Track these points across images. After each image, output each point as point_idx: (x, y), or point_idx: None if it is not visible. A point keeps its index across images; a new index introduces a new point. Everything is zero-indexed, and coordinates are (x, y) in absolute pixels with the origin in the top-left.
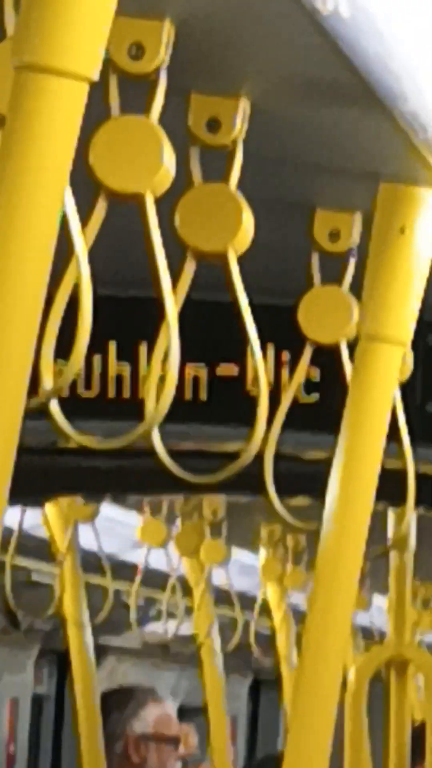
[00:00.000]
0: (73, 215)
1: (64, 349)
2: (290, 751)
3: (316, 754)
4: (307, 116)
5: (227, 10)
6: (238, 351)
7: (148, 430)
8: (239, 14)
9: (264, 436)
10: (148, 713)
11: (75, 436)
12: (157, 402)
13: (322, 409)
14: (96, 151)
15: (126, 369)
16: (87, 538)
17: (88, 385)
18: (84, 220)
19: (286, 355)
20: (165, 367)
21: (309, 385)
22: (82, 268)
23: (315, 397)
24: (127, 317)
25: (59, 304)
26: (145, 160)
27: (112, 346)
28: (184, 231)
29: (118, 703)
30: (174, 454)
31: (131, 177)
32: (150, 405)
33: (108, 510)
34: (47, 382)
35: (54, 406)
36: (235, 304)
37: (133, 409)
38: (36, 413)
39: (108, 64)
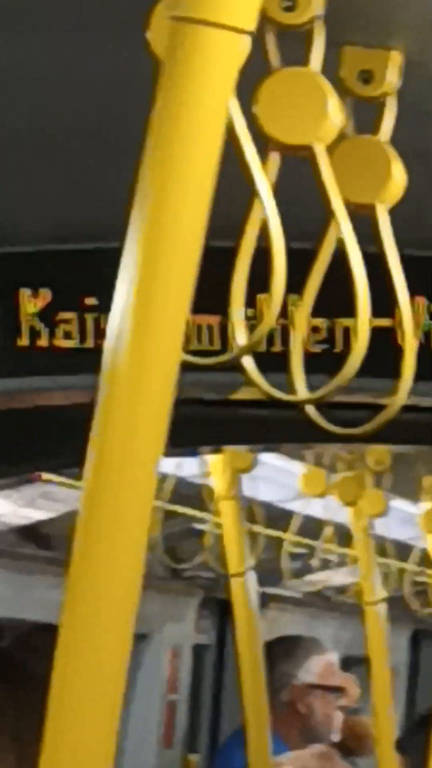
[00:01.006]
0: (255, 162)
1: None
2: None
3: None
4: None
5: None
6: (390, 305)
7: (345, 383)
8: None
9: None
10: (313, 663)
11: (269, 389)
12: (347, 361)
13: None
14: (260, 104)
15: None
16: (250, 487)
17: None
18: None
19: None
20: (356, 322)
21: None
22: (270, 218)
23: None
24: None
25: (244, 256)
26: (311, 111)
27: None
28: (337, 183)
29: (283, 652)
30: (331, 405)
31: (299, 129)
32: (297, 361)
33: (271, 459)
34: (240, 337)
35: (248, 361)
36: (383, 257)
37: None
38: (216, 367)
39: (262, 17)
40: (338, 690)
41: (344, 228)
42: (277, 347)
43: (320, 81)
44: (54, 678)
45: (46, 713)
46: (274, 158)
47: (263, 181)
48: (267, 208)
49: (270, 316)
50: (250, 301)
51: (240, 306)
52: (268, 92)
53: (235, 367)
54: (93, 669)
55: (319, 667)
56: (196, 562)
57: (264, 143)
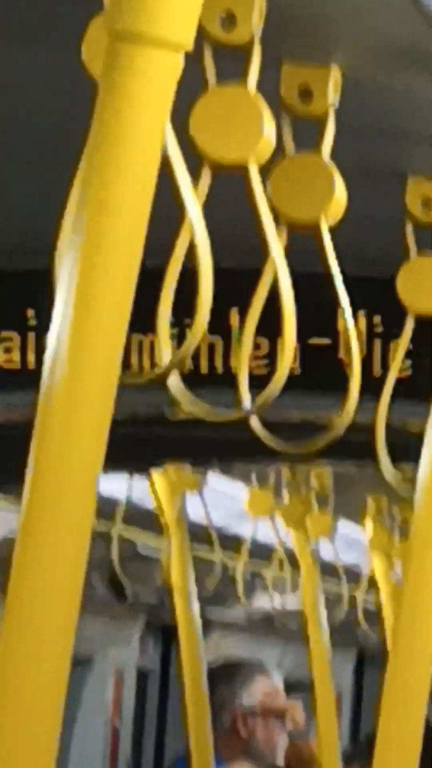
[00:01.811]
0: (186, 183)
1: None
2: (383, 730)
3: (409, 734)
4: (399, 84)
5: None
6: (331, 322)
7: (266, 402)
8: None
9: (366, 407)
10: (256, 687)
11: (192, 405)
12: (276, 375)
13: (416, 379)
14: (196, 122)
15: (218, 341)
16: (194, 510)
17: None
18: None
19: (378, 325)
20: (281, 341)
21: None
22: (199, 238)
23: (406, 364)
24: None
25: (171, 275)
26: (246, 129)
27: (234, 315)
28: (277, 201)
29: (225, 676)
30: (274, 425)
31: (233, 147)
32: (243, 378)
33: (215, 482)
34: (166, 355)
35: (173, 379)
36: (327, 274)
37: (226, 381)
38: (143, 385)
39: (201, 35)
40: (280, 714)
41: (273, 247)
42: (219, 369)
43: (255, 99)
44: None
45: None
46: (207, 176)
47: (193, 201)
48: (195, 227)
49: (195, 333)
50: (222, 317)
51: (165, 324)
52: (203, 110)
53: (162, 385)
54: (31, 692)
55: (261, 690)
56: (140, 585)
57: (198, 160)
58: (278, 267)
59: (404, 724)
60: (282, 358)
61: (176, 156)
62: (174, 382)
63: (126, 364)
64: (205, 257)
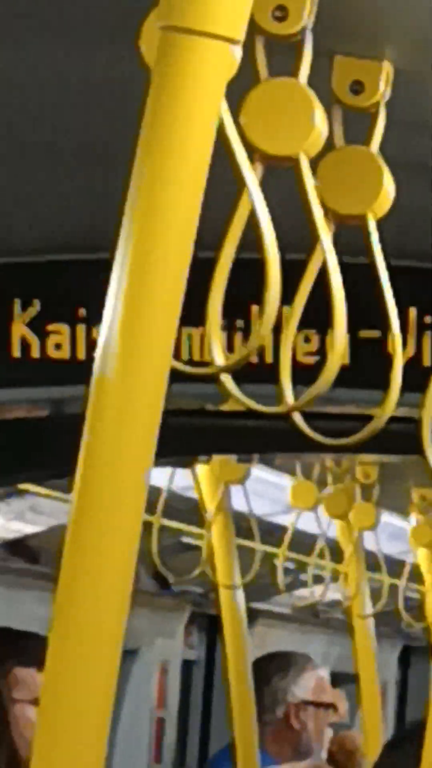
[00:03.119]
0: (249, 175)
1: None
2: None
3: None
4: None
5: None
6: (380, 315)
7: (319, 393)
8: None
9: (410, 399)
10: (306, 679)
11: (245, 400)
12: (323, 371)
13: None
14: (247, 114)
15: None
16: (238, 501)
17: (231, 349)
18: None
19: (429, 318)
20: (332, 334)
21: None
22: (265, 231)
23: None
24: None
25: (222, 270)
26: (297, 122)
27: (255, 311)
28: (325, 193)
29: (277, 668)
30: (320, 416)
31: (284, 140)
32: (285, 372)
33: (260, 472)
34: (216, 350)
35: (225, 376)
36: (372, 267)
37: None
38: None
39: (252, 27)
40: (330, 706)
41: (324, 240)
42: (269, 358)
43: (307, 92)
44: (43, 692)
45: (36, 725)
46: (258, 168)
47: (257, 192)
48: (261, 218)
49: (263, 331)
50: (243, 311)
51: (216, 320)
52: (255, 102)
53: (214, 379)
54: (82, 683)
55: (312, 683)
56: (186, 576)
57: (249, 153)
58: (329, 260)
59: None
60: (332, 353)
61: (238, 147)
62: (226, 378)
63: (176, 356)
64: (272, 250)
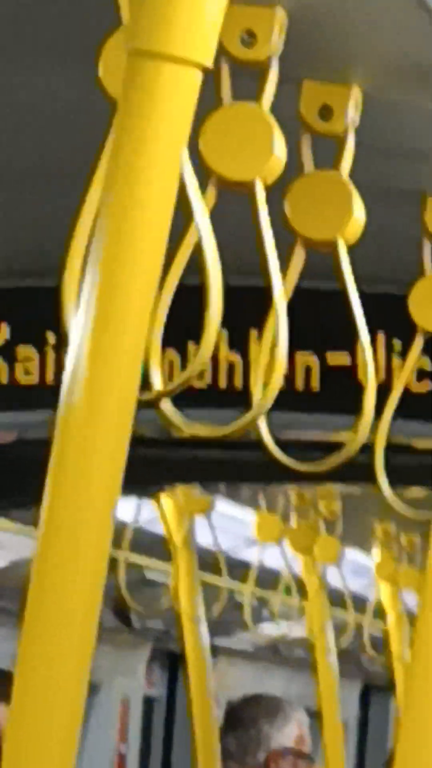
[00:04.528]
0: (198, 199)
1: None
2: (400, 758)
3: (428, 762)
4: (418, 103)
5: None
6: (349, 340)
7: (255, 419)
8: (350, 1)
9: (374, 426)
10: (291, 727)
11: (185, 427)
12: (264, 390)
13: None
14: (207, 138)
15: (237, 358)
16: (201, 536)
17: (199, 375)
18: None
19: (397, 344)
20: (273, 356)
21: (420, 374)
22: (208, 256)
23: (427, 385)
24: (237, 306)
25: (166, 295)
26: (256, 147)
27: (223, 335)
28: (294, 219)
29: (266, 713)
30: (286, 443)
31: (242, 164)
32: (257, 394)
33: (222, 506)
34: (156, 376)
35: (164, 401)
36: (344, 293)
37: (245, 399)
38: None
39: (220, 52)
40: (307, 757)
41: (273, 268)
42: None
43: (267, 118)
44: (9, 727)
45: (2, 759)
46: (212, 192)
47: (204, 219)
48: (206, 246)
49: (203, 356)
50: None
51: (157, 346)
52: (215, 125)
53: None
54: (48, 718)
55: (296, 732)
56: (150, 609)
57: (206, 176)
58: (274, 287)
59: (423, 755)
60: (273, 371)
61: (188, 172)
62: (166, 405)
63: (143, 381)
64: (216, 276)
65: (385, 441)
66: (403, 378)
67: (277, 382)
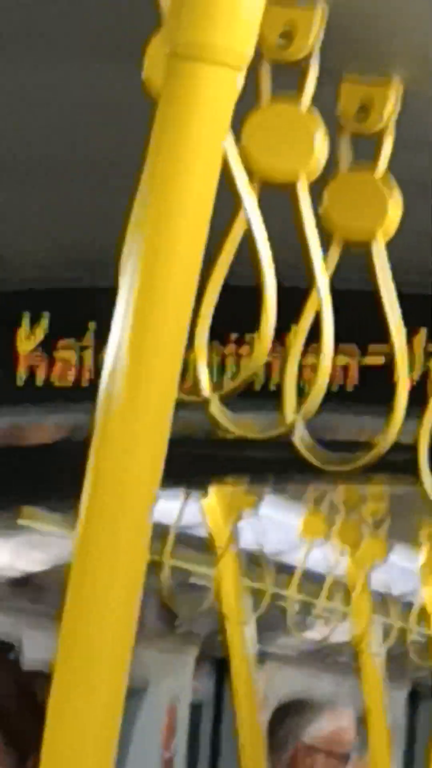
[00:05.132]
0: (251, 201)
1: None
2: None
3: None
4: None
5: None
6: (383, 339)
7: (305, 419)
8: None
9: (419, 425)
10: (322, 725)
11: (235, 428)
12: (309, 393)
13: None
14: (248, 136)
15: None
16: (246, 538)
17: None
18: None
19: None
20: (318, 358)
21: None
22: (262, 254)
23: None
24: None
25: (212, 294)
26: (297, 146)
27: (233, 339)
28: (332, 217)
29: (294, 711)
30: (327, 444)
31: (284, 164)
32: (290, 395)
33: (267, 509)
34: (203, 375)
35: (214, 403)
36: (378, 294)
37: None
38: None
39: (259, 52)
40: (345, 758)
41: (317, 266)
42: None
43: (308, 116)
44: (47, 729)
45: (41, 762)
46: (256, 192)
47: (257, 216)
48: (260, 245)
49: (259, 359)
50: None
51: (203, 347)
52: (256, 125)
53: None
54: (86, 720)
55: (328, 729)
56: (194, 613)
57: (248, 176)
58: (320, 285)
59: None
60: (319, 370)
61: (238, 167)
62: (215, 406)
63: (182, 381)
64: (269, 273)
65: (428, 440)
66: None
67: (323, 383)
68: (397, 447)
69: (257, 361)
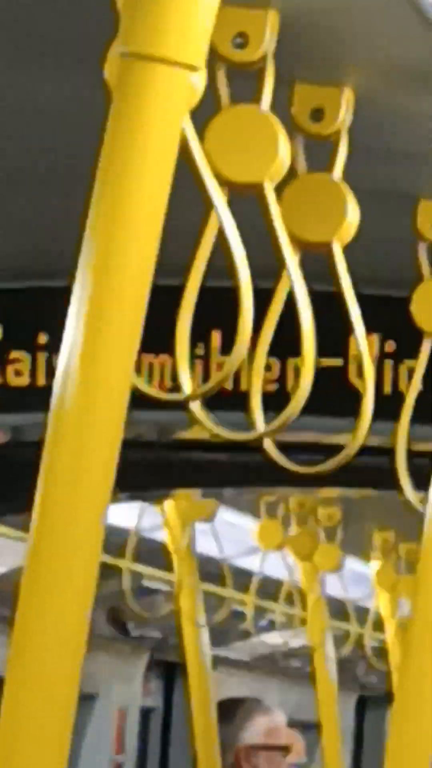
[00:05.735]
0: (221, 203)
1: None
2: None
3: None
4: (411, 106)
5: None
6: (340, 342)
7: (288, 421)
8: (343, 3)
9: (394, 430)
10: (256, 724)
11: (216, 429)
12: (295, 395)
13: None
14: (211, 141)
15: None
16: (203, 544)
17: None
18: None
19: (390, 346)
20: (301, 360)
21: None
22: (237, 256)
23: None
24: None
25: (190, 296)
26: (261, 149)
27: (216, 336)
28: (289, 221)
29: (224, 714)
30: (286, 446)
31: (249, 167)
32: (256, 399)
33: (223, 514)
34: (184, 376)
35: (195, 403)
36: (339, 295)
37: (235, 401)
38: (147, 405)
39: (213, 54)
40: (284, 749)
41: (291, 268)
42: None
43: (270, 119)
44: (0, 732)
45: None
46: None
47: (230, 221)
48: (234, 247)
49: (236, 358)
50: (203, 337)
51: (185, 347)
52: (218, 129)
53: (183, 406)
54: (38, 724)
55: (262, 727)
56: (151, 616)
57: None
58: (296, 287)
59: (413, 764)
60: (302, 379)
61: (205, 171)
62: (195, 405)
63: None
64: (245, 277)
65: (405, 442)
66: (416, 381)
67: (307, 385)
68: (365, 450)
69: (234, 361)
